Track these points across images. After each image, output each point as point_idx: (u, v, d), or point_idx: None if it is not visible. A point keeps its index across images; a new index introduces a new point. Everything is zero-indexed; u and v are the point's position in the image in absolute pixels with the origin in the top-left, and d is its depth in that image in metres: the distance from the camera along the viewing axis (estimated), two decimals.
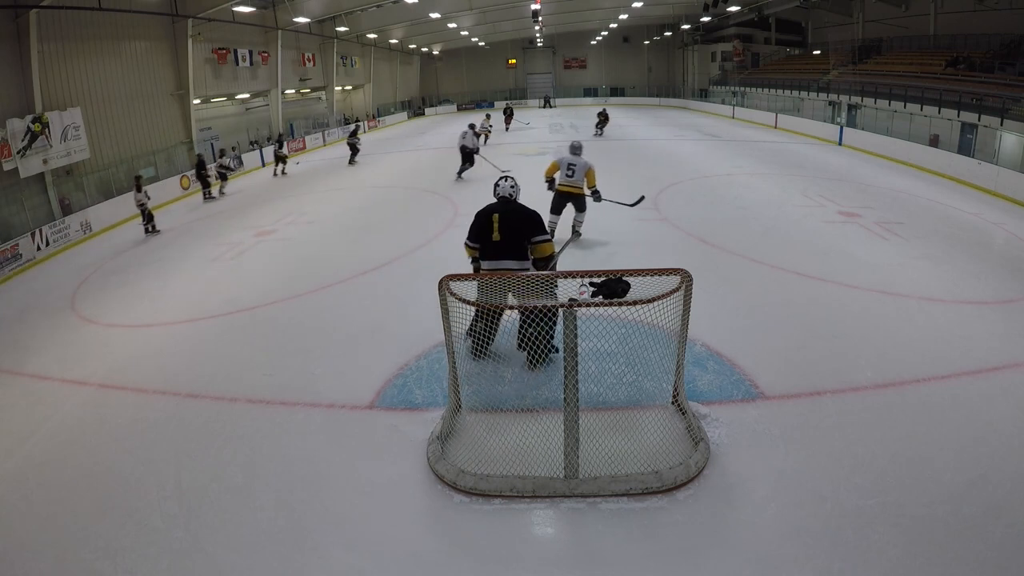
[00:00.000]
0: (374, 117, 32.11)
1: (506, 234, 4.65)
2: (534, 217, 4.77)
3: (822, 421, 4.12)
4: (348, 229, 10.23)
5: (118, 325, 6.83)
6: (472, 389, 4.24)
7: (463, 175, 13.64)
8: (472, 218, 4.92)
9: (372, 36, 29.49)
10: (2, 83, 11.16)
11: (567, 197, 7.83)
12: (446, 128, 26.26)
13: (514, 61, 43.45)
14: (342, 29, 25.84)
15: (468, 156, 13.52)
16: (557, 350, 4.72)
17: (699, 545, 3.14)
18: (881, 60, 22.98)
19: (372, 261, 8.18)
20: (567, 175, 7.71)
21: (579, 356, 3.40)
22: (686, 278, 3.64)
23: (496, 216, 4.72)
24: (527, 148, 18.86)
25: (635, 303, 3.86)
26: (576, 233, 8.19)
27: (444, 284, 3.67)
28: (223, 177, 15.31)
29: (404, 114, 36.47)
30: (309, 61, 25.18)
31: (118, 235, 11.86)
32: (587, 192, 7.86)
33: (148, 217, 11.63)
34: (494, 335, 4.67)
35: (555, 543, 3.29)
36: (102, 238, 11.74)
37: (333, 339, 5.84)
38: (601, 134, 21.33)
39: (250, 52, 20.39)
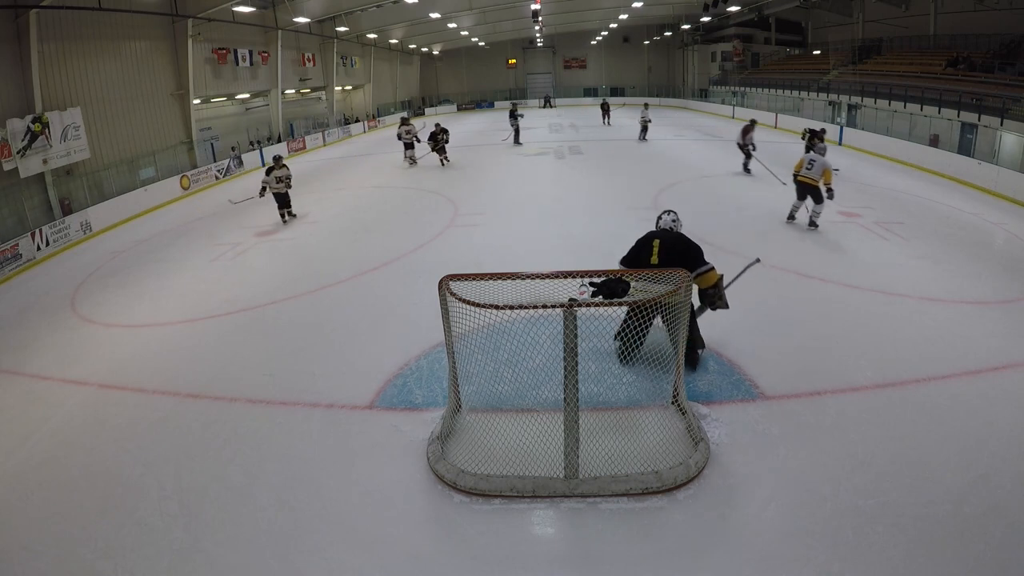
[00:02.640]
0: (374, 117, 32.11)
1: (663, 259, 4.77)
2: (694, 249, 4.83)
3: (822, 421, 4.12)
4: (348, 229, 10.23)
5: (118, 325, 6.83)
6: (472, 389, 4.24)
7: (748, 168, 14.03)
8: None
9: (372, 36, 29.47)
10: (2, 83, 11.15)
11: (806, 187, 8.75)
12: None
13: (514, 61, 43.44)
14: (342, 29, 25.83)
15: (746, 152, 14.30)
16: (704, 346, 4.92)
17: (699, 545, 3.14)
18: (881, 60, 22.96)
19: (372, 261, 8.19)
20: (807, 168, 8.71)
21: (579, 356, 3.39)
22: (686, 278, 3.65)
23: (657, 242, 4.88)
24: (526, 149, 18.87)
25: (635, 303, 3.87)
26: (812, 224, 8.80)
27: (444, 284, 3.67)
28: (408, 146, 16.53)
29: (404, 114, 36.47)
30: (309, 61, 25.15)
31: (118, 235, 11.86)
32: (823, 188, 8.61)
33: (285, 202, 10.87)
34: (644, 337, 4.60)
35: (555, 543, 3.29)
36: (102, 238, 11.72)
37: (333, 339, 5.84)
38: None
39: (250, 52, 20.37)
